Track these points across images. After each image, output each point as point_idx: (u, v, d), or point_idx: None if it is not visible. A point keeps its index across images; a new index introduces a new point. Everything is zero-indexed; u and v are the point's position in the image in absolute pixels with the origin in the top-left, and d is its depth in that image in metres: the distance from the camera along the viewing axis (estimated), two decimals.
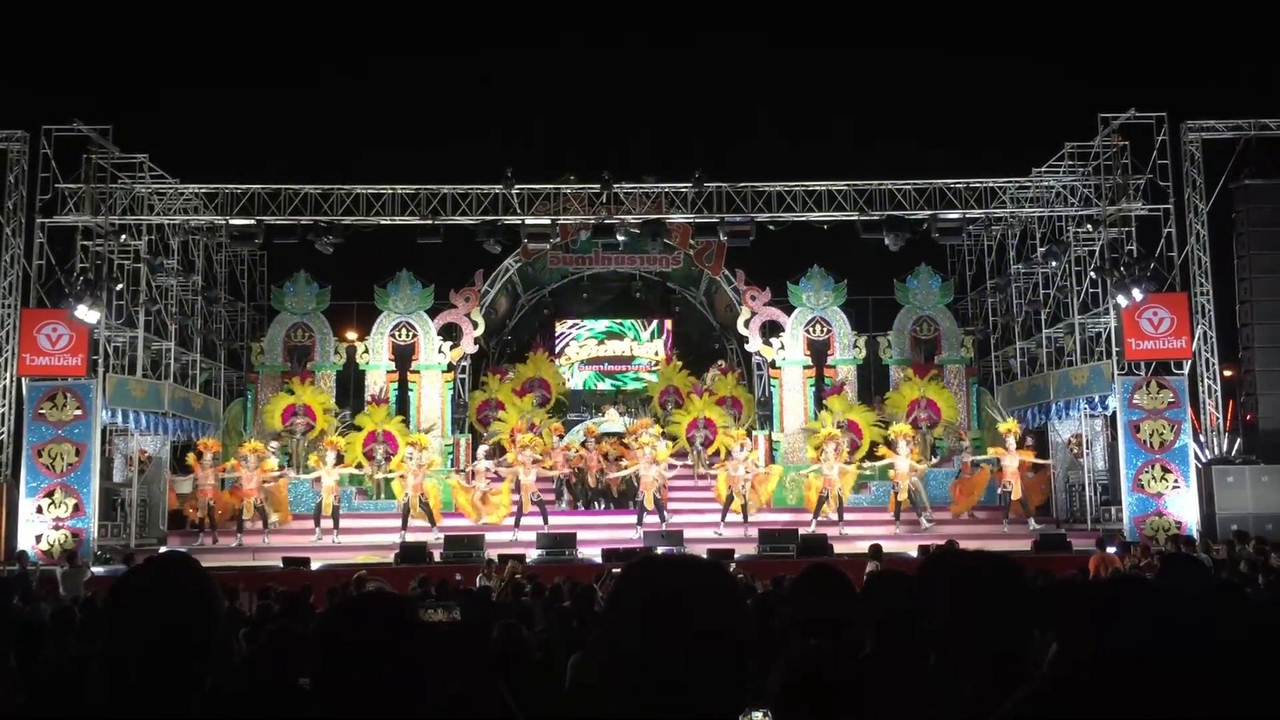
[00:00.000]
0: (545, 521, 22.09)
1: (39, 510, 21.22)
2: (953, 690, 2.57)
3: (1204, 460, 23.19)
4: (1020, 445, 22.76)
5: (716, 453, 24.94)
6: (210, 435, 24.61)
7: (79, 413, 21.50)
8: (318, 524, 22.35)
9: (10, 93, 26.27)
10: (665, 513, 22.55)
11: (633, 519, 22.61)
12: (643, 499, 22.54)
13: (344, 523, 22.86)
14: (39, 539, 20.95)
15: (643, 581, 1.75)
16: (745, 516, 22.52)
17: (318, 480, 22.72)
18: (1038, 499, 24.06)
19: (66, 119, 22.22)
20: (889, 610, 3.37)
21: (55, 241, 22.68)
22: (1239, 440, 24.37)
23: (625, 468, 23.61)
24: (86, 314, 20.95)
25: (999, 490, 22.90)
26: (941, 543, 17.35)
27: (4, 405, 23.15)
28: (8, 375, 23.07)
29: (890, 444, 23.29)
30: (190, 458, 22.90)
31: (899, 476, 22.55)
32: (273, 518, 22.91)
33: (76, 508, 21.26)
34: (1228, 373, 25.65)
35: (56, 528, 21.14)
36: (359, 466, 24.06)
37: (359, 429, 25.39)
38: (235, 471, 22.75)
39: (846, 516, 22.76)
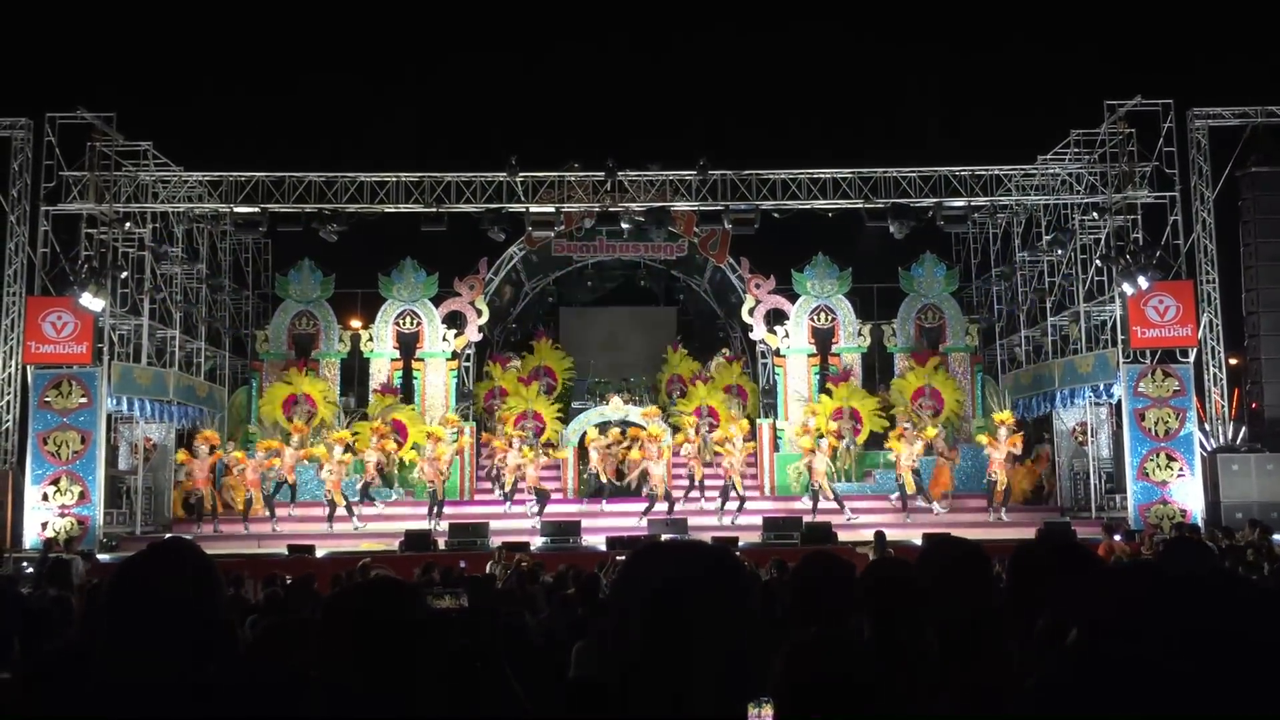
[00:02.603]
0: (541, 511, 22.19)
1: (45, 498, 21.26)
2: (957, 676, 2.56)
3: (1209, 448, 23.16)
4: (1013, 434, 22.95)
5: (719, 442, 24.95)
6: (212, 424, 24.67)
7: (84, 400, 21.53)
8: (331, 517, 22.42)
9: (14, 80, 26.27)
10: (672, 502, 22.67)
11: (633, 507, 22.75)
12: (655, 490, 22.70)
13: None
14: (45, 526, 21.00)
15: (649, 567, 1.74)
16: (741, 505, 22.62)
17: (321, 469, 22.87)
18: (1025, 487, 24.44)
19: (70, 106, 22.20)
20: (889, 597, 3.36)
21: (60, 229, 22.68)
22: (1244, 428, 24.33)
23: (634, 460, 23.60)
24: (91, 301, 20.96)
25: (985, 480, 23.14)
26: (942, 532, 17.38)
27: (9, 393, 23.19)
28: (13, 363, 23.10)
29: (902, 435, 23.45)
30: (180, 454, 23.10)
31: (902, 469, 22.83)
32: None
33: (82, 495, 21.31)
34: (1233, 361, 25.58)
35: (62, 515, 21.18)
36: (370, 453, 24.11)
37: (368, 418, 25.47)
38: (241, 464, 22.94)
39: (851, 504, 22.94)
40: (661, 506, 22.47)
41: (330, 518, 22.42)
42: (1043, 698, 1.46)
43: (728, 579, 1.71)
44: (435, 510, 22.44)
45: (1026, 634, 2.39)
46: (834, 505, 22.57)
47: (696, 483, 23.65)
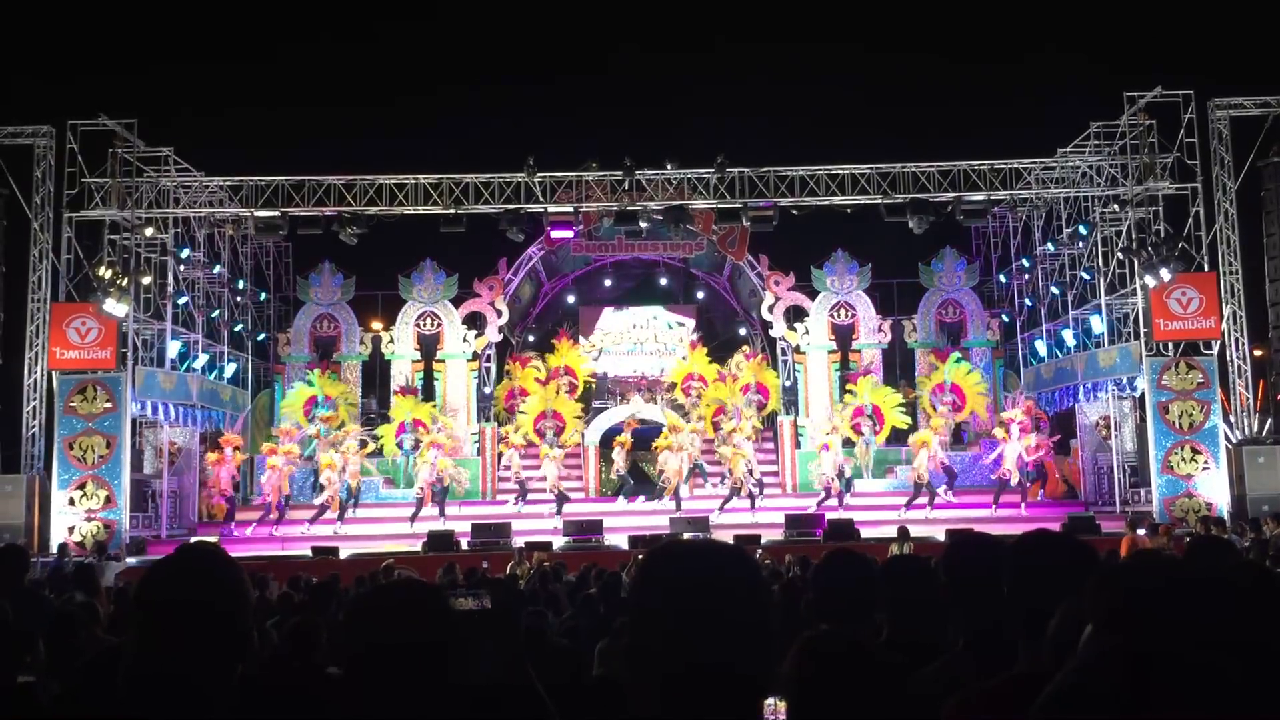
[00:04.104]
0: (559, 511, 22.29)
1: (71, 502, 21.45)
2: (980, 671, 2.56)
3: (1234, 441, 22.98)
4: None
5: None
6: (234, 427, 24.83)
7: (109, 405, 21.71)
8: (340, 517, 22.57)
9: (36, 88, 26.47)
10: (680, 499, 22.82)
11: (653, 505, 22.94)
12: (669, 486, 22.85)
13: (373, 512, 23.22)
14: (71, 530, 21.18)
15: (666, 567, 1.75)
16: (753, 504, 22.65)
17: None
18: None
19: (92, 113, 22.35)
20: (906, 595, 3.36)
21: (82, 235, 22.86)
22: (1269, 420, 24.14)
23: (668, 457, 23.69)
24: (114, 307, 21.09)
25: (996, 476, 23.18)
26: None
27: (35, 399, 23.36)
28: (38, 369, 23.28)
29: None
30: (209, 456, 23.32)
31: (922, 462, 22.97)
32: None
33: (108, 499, 21.49)
34: (1258, 352, 25.38)
35: (89, 519, 21.36)
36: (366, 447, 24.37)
37: (389, 420, 25.60)
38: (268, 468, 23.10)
39: (870, 501, 23.01)
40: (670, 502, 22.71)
41: (340, 517, 22.66)
42: (1071, 696, 1.46)
43: (743, 578, 1.72)
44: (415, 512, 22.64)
45: (1030, 632, 2.39)
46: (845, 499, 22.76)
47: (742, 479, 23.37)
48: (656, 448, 23.72)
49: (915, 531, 17.95)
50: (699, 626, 1.63)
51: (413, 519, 22.33)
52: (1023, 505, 22.46)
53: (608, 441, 25.17)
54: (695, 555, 1.74)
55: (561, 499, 22.94)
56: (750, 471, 22.93)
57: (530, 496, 23.72)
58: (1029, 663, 2.41)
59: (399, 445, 25.10)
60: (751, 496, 22.71)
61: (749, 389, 26.95)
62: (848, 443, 24.61)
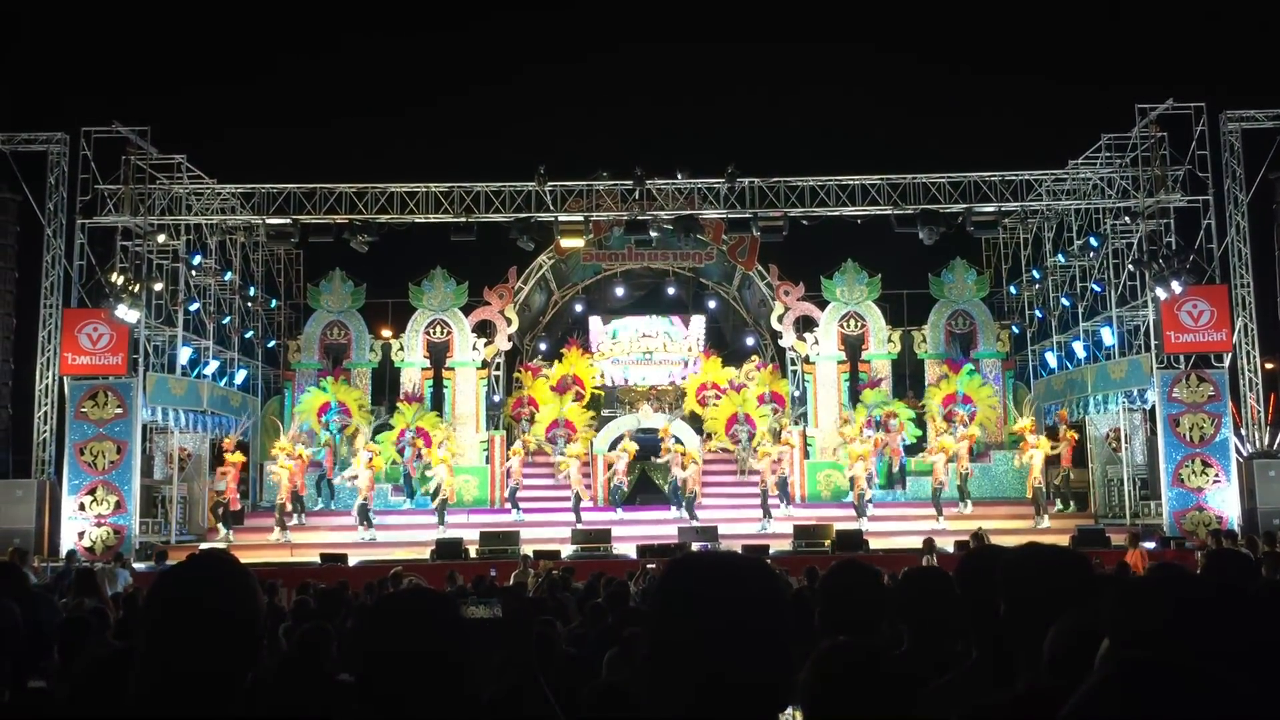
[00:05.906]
0: (578, 519, 22.32)
1: (81, 507, 21.51)
2: (993, 685, 2.56)
3: (1245, 454, 22.88)
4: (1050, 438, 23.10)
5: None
6: (239, 431, 24.88)
7: (120, 411, 21.77)
8: (364, 523, 22.52)
9: (50, 95, 26.58)
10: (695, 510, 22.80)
11: (660, 515, 22.87)
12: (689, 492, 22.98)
13: (382, 519, 23.15)
14: (81, 536, 21.22)
15: (689, 578, 1.75)
16: (767, 513, 22.57)
17: (355, 479, 22.93)
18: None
19: (105, 121, 22.47)
20: (925, 607, 3.35)
21: (95, 242, 22.95)
22: None
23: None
24: (126, 313, 21.17)
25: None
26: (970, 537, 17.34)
27: (47, 404, 23.45)
28: (50, 374, 23.37)
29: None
30: (229, 457, 23.36)
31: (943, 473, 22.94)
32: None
33: (118, 505, 21.55)
34: (1269, 365, 25.28)
35: (99, 525, 21.42)
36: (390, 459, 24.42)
37: (392, 427, 25.61)
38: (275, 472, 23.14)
39: (879, 511, 22.89)
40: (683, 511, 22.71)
41: (362, 523, 22.66)
42: (1095, 708, 1.45)
43: (764, 589, 1.72)
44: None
45: (1027, 647, 2.38)
46: (869, 511, 22.64)
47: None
48: (683, 453, 23.71)
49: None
50: (721, 637, 1.64)
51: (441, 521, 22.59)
52: (1041, 518, 22.31)
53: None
54: (717, 567, 1.75)
55: (577, 503, 22.98)
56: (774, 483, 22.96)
57: (546, 505, 23.74)
58: (1027, 678, 2.40)
59: (399, 451, 25.10)
60: (767, 510, 22.63)
61: (764, 399, 26.88)
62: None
